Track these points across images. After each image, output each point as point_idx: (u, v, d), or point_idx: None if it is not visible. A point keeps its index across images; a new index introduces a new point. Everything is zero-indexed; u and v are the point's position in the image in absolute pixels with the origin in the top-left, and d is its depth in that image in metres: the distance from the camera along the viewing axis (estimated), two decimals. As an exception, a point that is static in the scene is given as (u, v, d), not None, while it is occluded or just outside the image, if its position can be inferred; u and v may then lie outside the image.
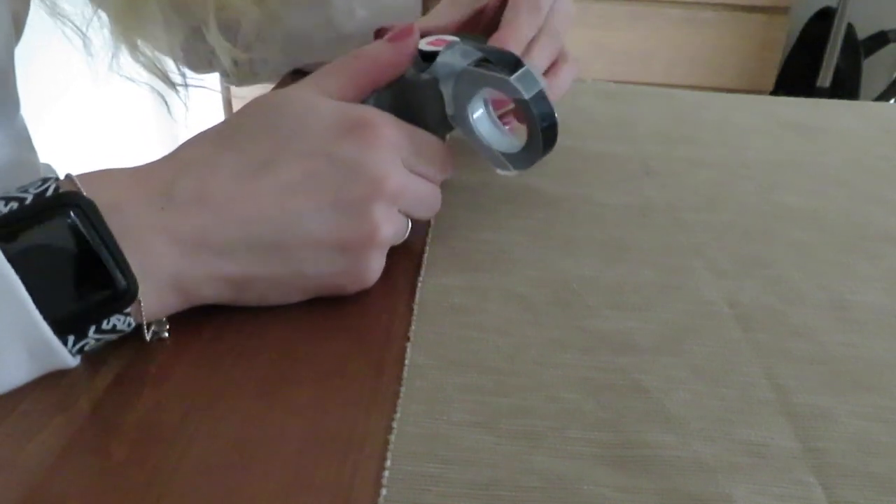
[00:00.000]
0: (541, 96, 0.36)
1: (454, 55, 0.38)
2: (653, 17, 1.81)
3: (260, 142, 0.32)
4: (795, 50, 1.96)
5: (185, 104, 0.55)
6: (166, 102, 0.53)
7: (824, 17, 1.89)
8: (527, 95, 0.35)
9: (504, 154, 0.38)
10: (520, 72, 0.35)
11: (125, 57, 0.49)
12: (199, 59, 0.62)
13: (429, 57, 0.39)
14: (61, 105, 1.20)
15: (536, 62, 0.43)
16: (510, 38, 0.41)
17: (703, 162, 0.53)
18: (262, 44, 0.58)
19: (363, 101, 0.37)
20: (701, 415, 0.28)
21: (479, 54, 0.37)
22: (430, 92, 0.38)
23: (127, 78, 0.50)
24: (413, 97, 0.39)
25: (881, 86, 1.93)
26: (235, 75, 0.65)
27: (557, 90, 0.45)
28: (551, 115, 0.36)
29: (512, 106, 0.42)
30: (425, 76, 0.38)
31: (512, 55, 0.37)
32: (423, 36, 0.40)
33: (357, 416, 0.27)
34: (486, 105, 0.39)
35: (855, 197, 0.48)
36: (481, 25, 0.48)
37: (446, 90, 0.38)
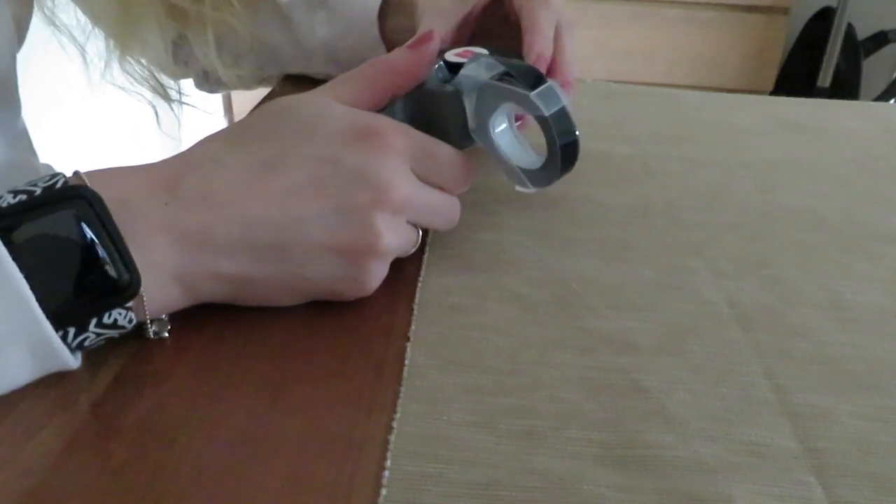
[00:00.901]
0: (562, 113, 0.35)
1: (478, 68, 0.37)
2: (653, 17, 1.81)
3: (268, 143, 0.32)
4: (795, 50, 1.96)
5: (177, 118, 0.55)
6: (157, 115, 0.54)
7: (824, 17, 1.89)
8: (547, 112, 0.34)
9: (523, 170, 0.38)
10: (541, 88, 0.34)
11: (119, 67, 0.49)
12: (175, 66, 0.62)
13: (455, 69, 0.38)
14: (61, 109, 1.20)
15: (567, 55, 0.43)
16: (537, 42, 0.41)
17: (703, 162, 0.53)
18: (247, 58, 0.59)
19: (385, 110, 0.37)
20: (701, 415, 0.28)
21: (502, 68, 0.36)
22: (452, 104, 0.38)
23: (119, 87, 0.50)
24: (436, 108, 0.38)
25: (881, 86, 1.93)
26: (205, 82, 0.65)
27: (567, 66, 0.44)
28: (571, 133, 0.35)
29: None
30: (448, 88, 0.38)
31: (534, 70, 0.36)
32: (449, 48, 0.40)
33: (357, 416, 0.27)
34: (508, 120, 0.38)
35: (855, 197, 0.48)
36: (468, 31, 0.48)
37: (469, 103, 0.37)
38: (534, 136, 0.40)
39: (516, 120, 0.40)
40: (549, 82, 0.35)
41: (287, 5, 0.59)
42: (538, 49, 0.42)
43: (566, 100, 0.35)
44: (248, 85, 0.67)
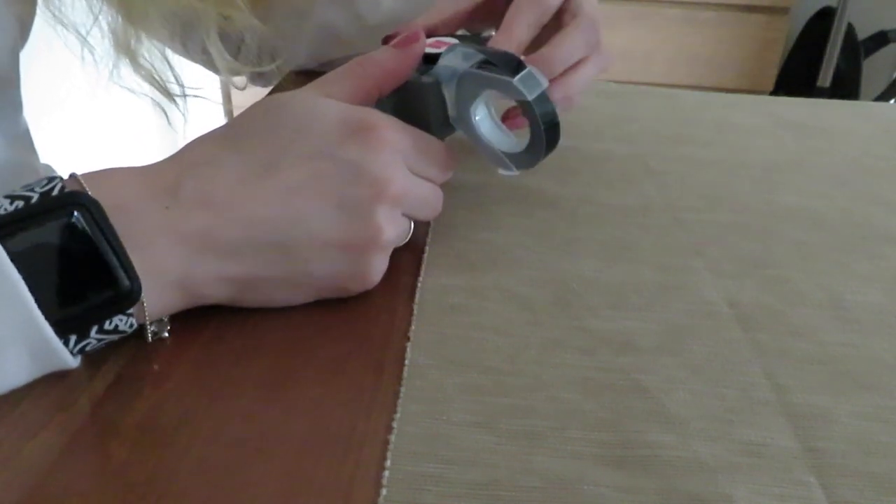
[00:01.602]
0: (543, 97, 0.36)
1: (456, 57, 0.38)
2: (653, 17, 1.81)
3: (264, 143, 0.32)
4: (795, 50, 1.96)
5: (183, 115, 0.55)
6: (165, 113, 0.54)
7: (824, 17, 1.90)
8: (529, 97, 0.35)
9: (506, 154, 0.38)
10: (522, 73, 0.35)
11: (125, 67, 0.49)
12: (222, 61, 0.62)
13: (430, 59, 0.39)
14: (62, 109, 1.20)
15: (562, 54, 0.43)
16: (502, 43, 0.42)
17: (703, 162, 0.53)
18: (266, 58, 0.59)
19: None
20: (701, 415, 0.28)
21: (480, 56, 0.37)
22: (432, 94, 0.38)
23: (127, 88, 0.50)
24: (415, 99, 0.39)
25: (881, 86, 1.93)
26: (260, 78, 0.66)
27: (576, 82, 0.45)
28: (553, 115, 0.36)
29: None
30: (427, 79, 0.38)
31: (514, 56, 0.37)
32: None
33: (357, 416, 0.27)
34: (488, 107, 0.39)
35: (855, 197, 0.48)
36: (496, 11, 0.48)
37: (448, 92, 0.38)
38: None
39: (504, 120, 0.40)
40: (529, 67, 0.36)
41: None
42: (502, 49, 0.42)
43: (545, 83, 0.36)
44: (271, 80, 0.66)
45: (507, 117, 0.43)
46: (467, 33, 0.46)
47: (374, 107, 0.37)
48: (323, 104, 0.33)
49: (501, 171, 0.39)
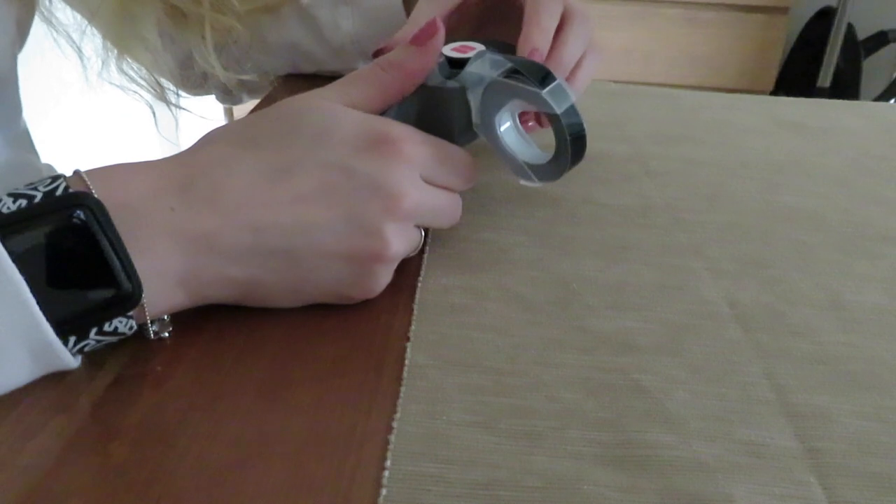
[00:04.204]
0: (571, 110, 0.36)
1: (483, 65, 0.38)
2: (653, 17, 1.81)
3: (280, 148, 0.31)
4: (795, 50, 1.96)
5: (175, 118, 0.55)
6: (154, 115, 0.54)
7: (824, 17, 1.89)
8: (559, 110, 0.35)
9: (529, 165, 0.38)
10: (552, 86, 0.35)
11: (114, 66, 0.49)
12: (194, 81, 0.63)
13: (456, 63, 0.39)
14: (59, 109, 1.20)
15: (569, 53, 0.43)
16: (533, 36, 0.41)
17: (703, 162, 0.53)
18: (249, 65, 0.59)
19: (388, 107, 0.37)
20: (701, 415, 0.28)
21: (508, 64, 0.37)
22: (457, 100, 0.38)
23: (117, 86, 0.50)
24: (439, 104, 0.38)
25: (881, 86, 1.93)
26: (229, 95, 0.66)
27: (581, 82, 0.45)
28: (580, 128, 0.36)
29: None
30: (453, 84, 0.38)
31: (542, 67, 0.37)
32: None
33: (357, 416, 0.27)
34: (513, 116, 0.38)
35: (855, 197, 0.48)
36: (466, 16, 0.48)
37: (474, 99, 0.38)
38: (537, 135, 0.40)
39: (521, 120, 0.40)
40: (559, 80, 0.36)
41: (310, 5, 0.59)
42: (533, 43, 0.42)
43: (574, 97, 0.36)
44: (257, 91, 0.67)
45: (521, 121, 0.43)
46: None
47: (398, 109, 0.37)
48: (344, 114, 0.33)
49: (522, 182, 0.39)
